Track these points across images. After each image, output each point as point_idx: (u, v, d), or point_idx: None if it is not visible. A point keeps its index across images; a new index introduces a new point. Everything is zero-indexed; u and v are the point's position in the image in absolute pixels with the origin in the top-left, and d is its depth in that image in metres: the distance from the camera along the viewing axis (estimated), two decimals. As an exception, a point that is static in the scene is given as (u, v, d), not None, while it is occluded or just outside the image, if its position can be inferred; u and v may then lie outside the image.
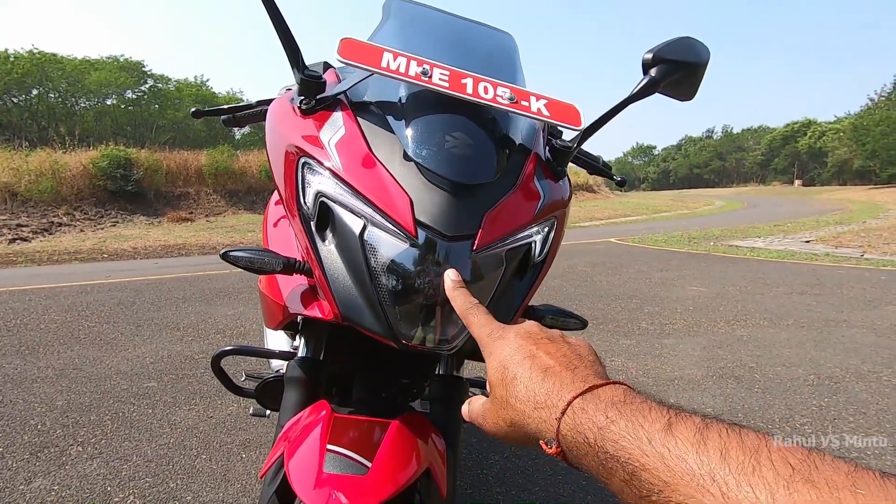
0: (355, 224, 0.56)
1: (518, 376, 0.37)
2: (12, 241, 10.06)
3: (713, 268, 5.99)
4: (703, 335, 3.20)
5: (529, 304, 0.72)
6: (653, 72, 0.68)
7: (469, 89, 0.58)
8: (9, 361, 2.68)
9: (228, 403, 2.16)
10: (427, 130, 0.58)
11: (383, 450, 0.56)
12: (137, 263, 7.13)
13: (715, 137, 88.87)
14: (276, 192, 1.07)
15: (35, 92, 25.40)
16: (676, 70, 0.68)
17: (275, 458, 0.59)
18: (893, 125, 35.93)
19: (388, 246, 0.54)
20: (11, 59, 23.95)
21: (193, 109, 0.90)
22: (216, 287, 4.80)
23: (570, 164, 1.00)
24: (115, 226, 12.55)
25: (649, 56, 0.68)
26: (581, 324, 0.74)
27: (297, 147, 0.61)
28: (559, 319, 0.73)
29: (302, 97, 0.64)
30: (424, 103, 0.61)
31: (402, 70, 0.56)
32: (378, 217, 0.55)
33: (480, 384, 1.07)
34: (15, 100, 25.12)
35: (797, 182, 55.04)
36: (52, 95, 26.21)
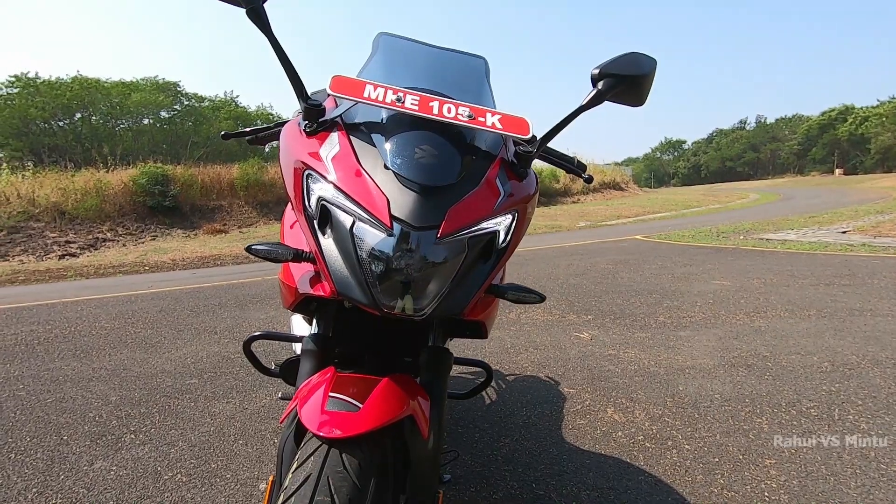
0: (347, 221, 0.70)
1: None
2: (62, 256, 10.75)
3: (739, 262, 5.92)
4: (720, 327, 3.22)
5: (494, 283, 0.85)
6: (600, 85, 0.81)
7: (435, 110, 0.72)
8: (67, 364, 2.95)
9: (262, 397, 2.35)
10: (401, 145, 0.73)
11: (373, 396, 0.70)
12: (176, 274, 7.54)
13: (748, 128, 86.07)
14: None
15: (78, 116, 26.93)
16: (621, 83, 0.80)
17: (291, 408, 0.74)
18: (940, 107, 34.00)
19: (371, 236, 0.69)
20: (59, 87, 25.51)
21: (223, 133, 1.08)
22: (250, 294, 5.07)
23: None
24: (154, 239, 13.22)
25: (596, 71, 0.81)
26: (539, 298, 0.86)
27: (302, 162, 0.76)
28: (520, 294, 0.85)
29: (306, 121, 0.80)
30: (401, 123, 0.76)
31: (381, 98, 0.71)
32: (364, 214, 0.69)
33: (477, 364, 1.20)
34: (61, 123, 26.68)
35: (837, 171, 52.65)
36: (95, 118, 27.73)
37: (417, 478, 0.75)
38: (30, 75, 25.29)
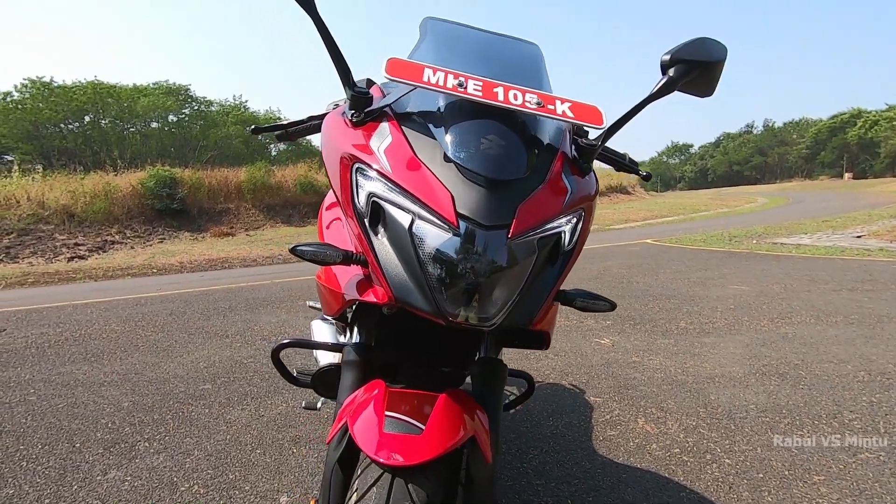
0: (404, 219, 0.63)
1: None
2: (71, 259, 10.77)
3: (755, 266, 5.81)
4: (745, 333, 3.13)
5: (561, 288, 0.78)
6: (671, 72, 0.73)
7: (500, 97, 0.65)
8: (78, 368, 2.90)
9: (277, 403, 2.28)
10: (464, 134, 0.66)
11: (434, 416, 0.63)
12: (184, 277, 7.50)
13: (755, 132, 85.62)
14: (326, 198, 1.16)
15: (87, 119, 27.15)
16: (693, 69, 0.73)
17: (339, 427, 0.67)
18: (952, 111, 33.63)
19: (434, 236, 0.61)
20: (73, 90, 25.75)
21: (252, 127, 1.01)
22: (259, 297, 5.01)
23: (598, 162, 1.06)
24: (162, 242, 13.23)
25: (667, 57, 0.74)
26: (610, 306, 0.79)
27: (350, 154, 0.69)
28: (589, 301, 0.78)
29: (353, 111, 0.73)
30: (461, 111, 0.68)
31: (441, 83, 0.64)
32: (424, 212, 0.62)
33: (519, 374, 1.13)
34: (71, 127, 26.89)
35: (847, 175, 52.18)
36: (104, 122, 27.95)
37: (477, 501, 0.68)
38: (44, 80, 25.54)
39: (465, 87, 0.64)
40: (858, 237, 8.44)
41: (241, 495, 1.57)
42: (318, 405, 1.40)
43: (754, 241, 8.30)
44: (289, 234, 13.61)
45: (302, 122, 1.03)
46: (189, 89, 30.83)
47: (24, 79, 26.28)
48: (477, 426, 0.66)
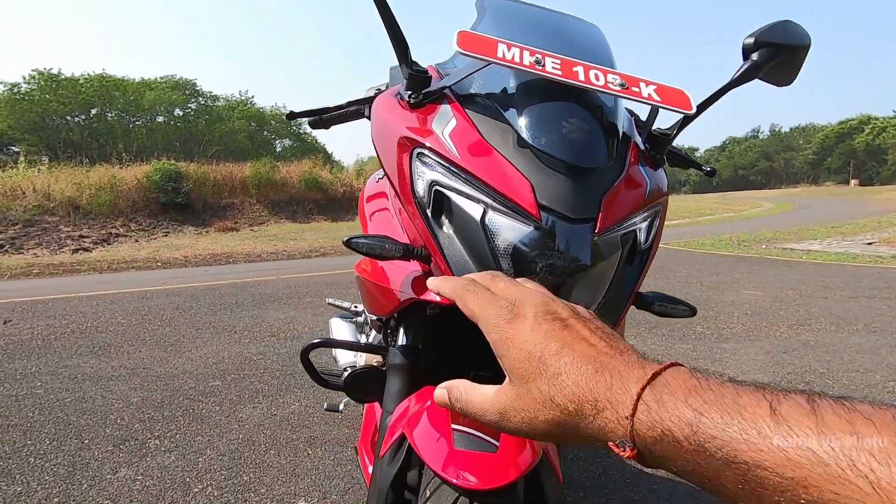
0: (475, 210, 0.57)
1: (563, 371, 0.30)
2: (75, 251, 10.74)
3: (767, 271, 5.74)
4: (765, 340, 3.06)
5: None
6: (754, 56, 0.67)
7: (581, 76, 0.58)
8: (85, 361, 2.85)
9: (290, 402, 2.22)
10: (543, 117, 0.59)
11: None
12: (189, 271, 7.45)
13: (761, 137, 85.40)
14: (366, 187, 1.10)
15: (94, 111, 27.21)
16: (778, 54, 0.67)
17: (395, 439, 0.61)
18: (961, 119, 33.46)
19: (511, 230, 0.55)
20: (81, 83, 25.82)
21: (288, 112, 0.95)
22: (266, 293, 4.96)
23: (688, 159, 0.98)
24: (166, 236, 13.20)
25: (750, 41, 0.67)
26: (690, 311, 0.72)
27: (408, 138, 0.63)
28: (668, 306, 0.71)
29: (410, 91, 0.66)
30: (535, 92, 0.62)
31: (517, 59, 0.57)
32: (498, 203, 0.56)
33: None
34: (77, 119, 26.95)
35: (853, 182, 51.87)
36: (111, 115, 28.02)
37: None
38: (52, 71, 25.60)
39: (543, 65, 0.57)
40: (869, 244, 8.35)
41: (257, 498, 1.51)
42: (341, 407, 1.34)
43: (763, 246, 8.22)
44: (293, 231, 13.57)
45: (340, 107, 0.96)
46: (195, 84, 30.89)
47: (32, 70, 26.37)
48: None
